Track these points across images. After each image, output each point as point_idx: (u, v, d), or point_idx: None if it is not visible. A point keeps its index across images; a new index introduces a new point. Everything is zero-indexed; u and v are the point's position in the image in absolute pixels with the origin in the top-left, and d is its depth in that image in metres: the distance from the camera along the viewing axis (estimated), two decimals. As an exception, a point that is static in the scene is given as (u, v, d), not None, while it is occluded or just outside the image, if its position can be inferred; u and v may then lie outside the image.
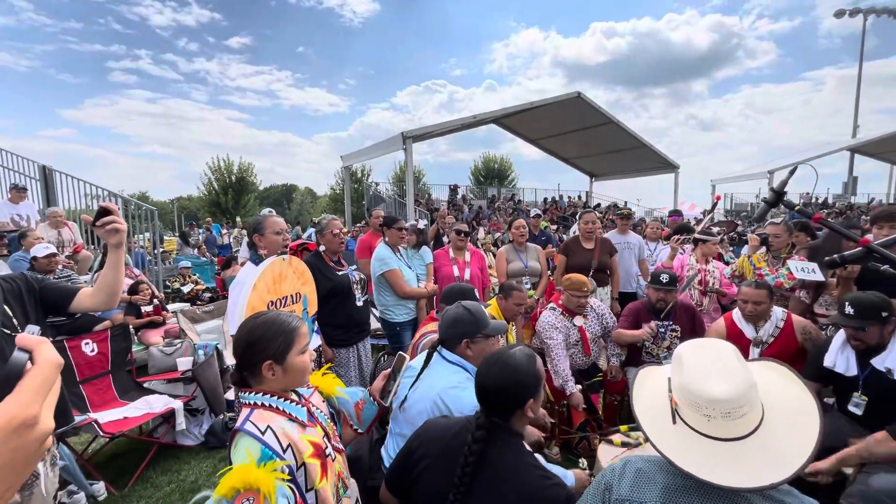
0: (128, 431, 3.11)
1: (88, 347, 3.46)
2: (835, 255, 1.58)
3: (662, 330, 3.11)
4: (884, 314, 2.15)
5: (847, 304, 2.23)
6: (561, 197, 21.81)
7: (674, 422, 1.02)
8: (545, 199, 21.36)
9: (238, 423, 1.17)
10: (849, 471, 2.06)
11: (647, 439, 1.03)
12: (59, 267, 4.45)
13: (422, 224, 5.62)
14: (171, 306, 6.00)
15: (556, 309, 3.21)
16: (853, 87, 25.83)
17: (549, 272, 4.30)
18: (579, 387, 2.94)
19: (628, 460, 1.10)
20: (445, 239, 6.23)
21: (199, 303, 7.08)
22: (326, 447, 1.28)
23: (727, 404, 0.94)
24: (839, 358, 2.33)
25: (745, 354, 2.79)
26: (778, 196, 1.50)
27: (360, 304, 2.96)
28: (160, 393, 3.57)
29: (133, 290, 5.00)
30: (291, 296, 2.39)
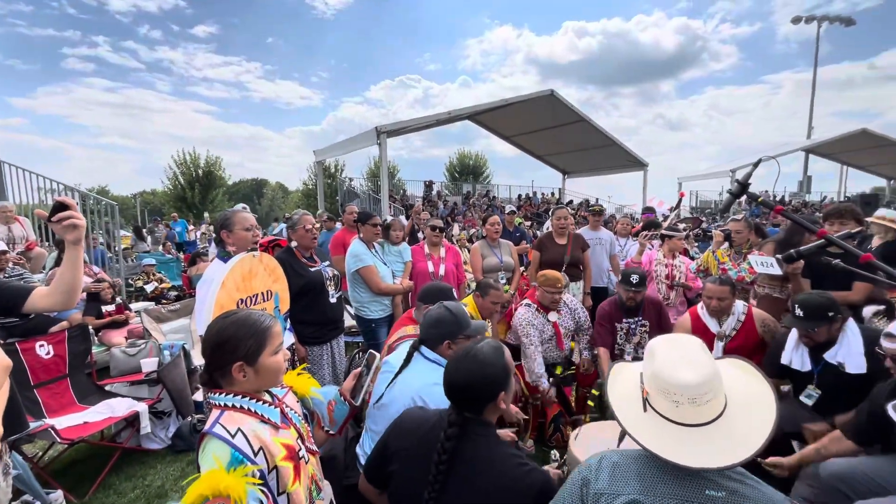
0: (88, 437, 2.97)
1: (43, 350, 3.28)
2: (791, 250, 1.66)
3: (633, 326, 3.21)
4: (830, 314, 2.29)
5: (797, 306, 2.37)
6: (535, 193, 22.10)
7: (644, 410, 1.09)
8: (519, 196, 21.59)
9: (207, 426, 1.13)
10: (786, 461, 2.16)
11: (620, 425, 1.11)
12: (10, 265, 4.20)
13: (403, 220, 5.60)
14: (134, 305, 5.76)
15: (531, 305, 3.25)
16: (808, 90, 27.24)
17: (521, 268, 4.35)
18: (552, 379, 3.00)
19: (604, 455, 1.15)
20: (420, 235, 6.21)
21: (164, 301, 6.83)
22: (300, 449, 1.25)
23: (694, 390, 1.02)
24: (794, 355, 2.48)
25: (710, 348, 2.88)
26: (743, 187, 1.55)
27: (333, 300, 2.92)
28: (123, 396, 3.42)
29: (92, 292, 4.77)
30: (262, 293, 2.33)
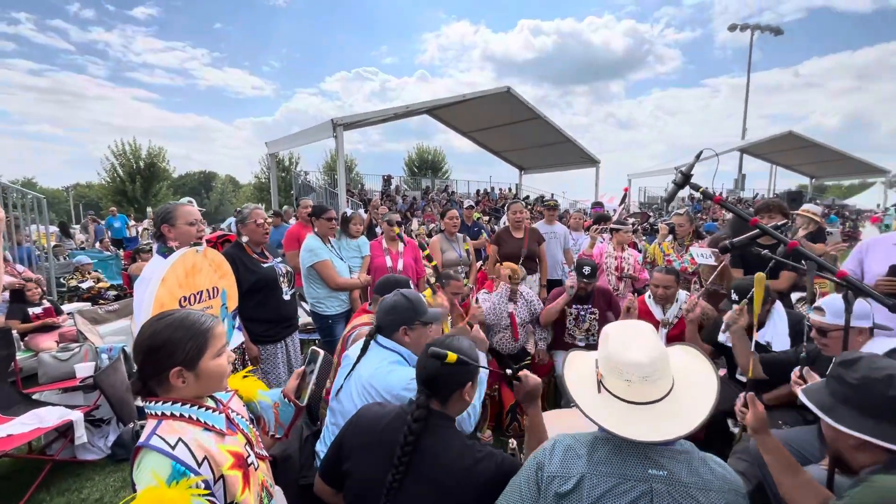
0: (12, 450, 2.72)
1: (-42, 357, 2.97)
2: (726, 241, 1.78)
3: (583, 313, 3.33)
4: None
5: (733, 290, 2.59)
6: (493, 189, 22.38)
7: (599, 391, 1.17)
8: (478, 191, 21.79)
9: (142, 439, 1.04)
10: (735, 430, 2.34)
11: (576, 405, 1.17)
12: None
13: (363, 213, 5.49)
14: (66, 306, 5.33)
15: (489, 296, 3.31)
16: (742, 94, 29.23)
17: (479, 262, 4.40)
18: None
19: (557, 439, 1.20)
20: (379, 230, 6.14)
21: (101, 302, 6.37)
22: (248, 455, 1.19)
23: (644, 368, 1.10)
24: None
25: None
26: (685, 178, 1.65)
27: (287, 297, 2.83)
28: (54, 404, 3.16)
29: (16, 292, 4.37)
30: (208, 290, 2.21)
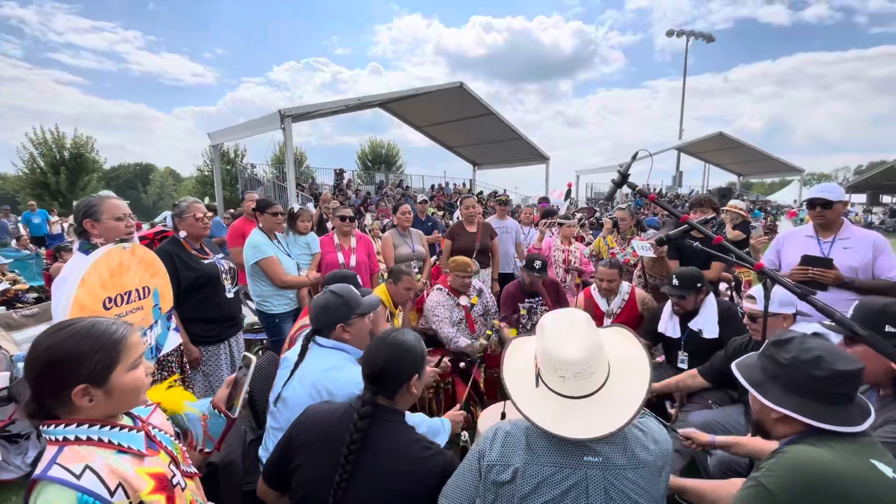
0: None
1: None
2: (661, 235, 1.89)
3: (535, 306, 3.43)
4: (698, 284, 2.71)
5: (674, 276, 2.77)
6: (447, 184, 22.46)
7: (536, 385, 1.17)
8: (432, 186, 21.80)
9: (38, 470, 0.90)
10: (672, 410, 2.50)
11: (511, 400, 1.18)
12: None
13: (311, 208, 5.29)
14: (-26, 312, 4.78)
15: (442, 289, 3.34)
16: (679, 96, 31.14)
17: (433, 257, 4.41)
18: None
19: (499, 426, 1.21)
20: (330, 225, 5.98)
21: (19, 305, 5.78)
22: (174, 476, 1.07)
23: (577, 366, 1.11)
24: (668, 324, 2.89)
25: (600, 324, 3.23)
26: (623, 177, 1.73)
27: (230, 295, 2.69)
28: (-40, 421, 2.84)
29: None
30: (138, 290, 2.05)
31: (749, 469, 1.64)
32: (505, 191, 22.00)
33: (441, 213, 14.26)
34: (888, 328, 1.38)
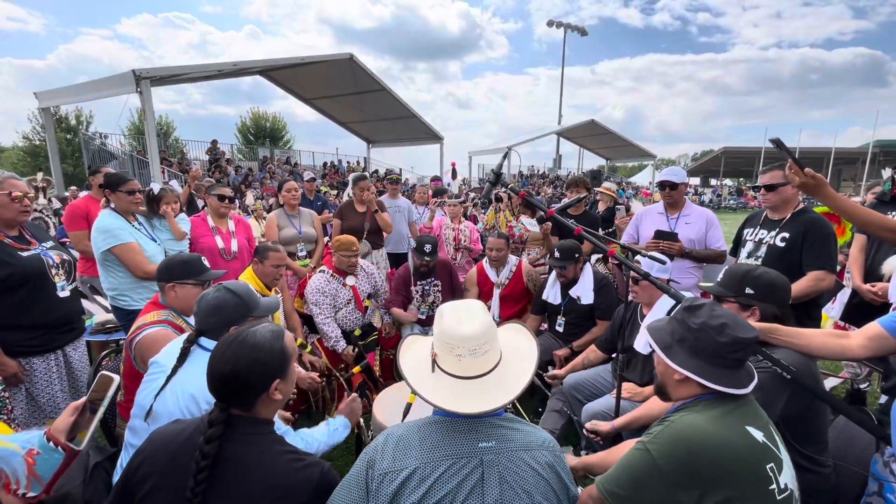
0: None
1: None
2: (541, 214, 2.03)
3: (427, 287, 3.47)
4: (576, 255, 3.00)
5: (555, 249, 3.04)
6: (340, 162, 21.55)
7: (433, 370, 1.19)
8: (325, 164, 20.74)
9: None
10: (561, 372, 2.73)
11: (409, 385, 1.19)
12: None
13: (176, 187, 4.60)
14: None
15: (326, 271, 3.19)
16: (557, 85, 33.77)
17: (326, 238, 4.19)
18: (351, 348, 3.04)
19: (389, 432, 1.16)
20: (201, 204, 5.33)
21: None
22: None
23: (473, 341, 1.15)
24: (551, 292, 3.17)
25: (490, 294, 3.44)
26: (497, 176, 1.88)
27: (64, 293, 2.19)
28: None
29: None
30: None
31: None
32: (401, 170, 21.86)
33: (335, 192, 13.65)
34: (748, 290, 1.62)
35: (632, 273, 2.50)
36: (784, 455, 1.15)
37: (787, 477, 1.12)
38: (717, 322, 1.18)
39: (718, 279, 1.76)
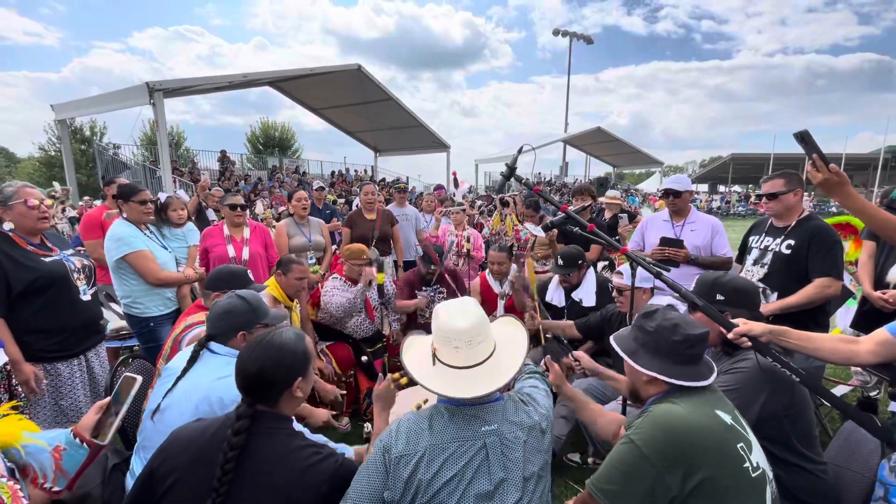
0: None
1: None
2: (547, 221, 2.06)
3: (433, 294, 3.51)
4: (580, 262, 3.05)
5: (559, 256, 3.08)
6: (347, 170, 21.74)
7: (433, 364, 1.31)
8: (332, 173, 20.95)
9: None
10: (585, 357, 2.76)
11: (411, 378, 1.32)
12: None
13: (183, 195, 4.69)
14: None
15: (338, 278, 3.27)
16: (562, 92, 34.16)
17: (334, 246, 4.25)
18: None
19: (400, 420, 1.27)
20: (212, 214, 5.43)
21: None
22: None
23: (468, 333, 1.26)
24: (554, 294, 3.22)
25: (494, 306, 3.45)
26: (511, 171, 1.87)
27: (86, 297, 2.27)
28: None
29: None
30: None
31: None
32: (407, 178, 22.00)
33: (342, 200, 13.78)
34: (718, 297, 1.69)
35: (616, 283, 2.57)
36: (752, 436, 1.24)
37: (758, 456, 1.20)
38: (670, 323, 1.30)
39: (692, 287, 1.81)
